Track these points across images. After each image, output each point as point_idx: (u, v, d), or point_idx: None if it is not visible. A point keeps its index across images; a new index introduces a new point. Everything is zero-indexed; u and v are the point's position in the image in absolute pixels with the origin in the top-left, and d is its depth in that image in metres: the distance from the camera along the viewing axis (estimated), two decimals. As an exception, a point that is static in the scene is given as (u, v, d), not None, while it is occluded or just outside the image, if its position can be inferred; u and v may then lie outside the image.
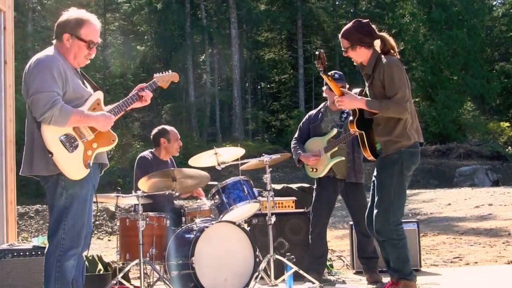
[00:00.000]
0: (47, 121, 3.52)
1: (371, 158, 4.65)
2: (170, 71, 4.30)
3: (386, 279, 5.48)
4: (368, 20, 4.60)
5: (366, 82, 4.63)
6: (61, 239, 3.65)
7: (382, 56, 4.51)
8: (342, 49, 4.62)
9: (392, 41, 4.59)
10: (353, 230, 6.13)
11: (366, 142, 4.60)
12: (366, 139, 4.59)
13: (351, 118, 4.65)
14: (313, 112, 6.13)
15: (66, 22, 3.78)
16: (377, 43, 4.56)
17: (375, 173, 4.73)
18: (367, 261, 5.79)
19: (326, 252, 5.90)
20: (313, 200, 5.92)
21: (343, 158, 5.70)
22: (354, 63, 4.71)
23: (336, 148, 5.71)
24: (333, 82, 4.65)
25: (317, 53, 4.51)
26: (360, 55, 4.55)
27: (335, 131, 5.78)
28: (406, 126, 4.47)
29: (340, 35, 4.61)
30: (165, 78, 4.21)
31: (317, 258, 5.75)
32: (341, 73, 5.84)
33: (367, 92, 4.63)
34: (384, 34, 4.60)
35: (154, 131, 6.24)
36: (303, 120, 6.15)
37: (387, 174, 4.51)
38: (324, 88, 5.89)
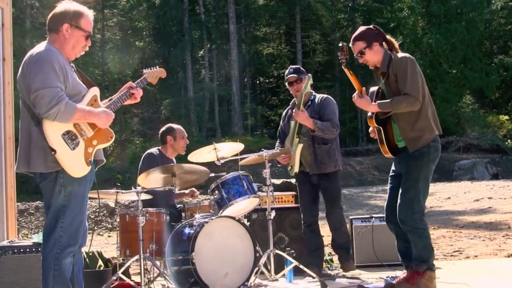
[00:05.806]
0: (52, 117, 3.47)
1: (388, 155, 4.69)
2: (157, 67, 4.36)
3: (389, 273, 5.49)
4: None
5: (382, 80, 4.68)
6: (58, 237, 3.62)
7: (393, 54, 4.61)
8: (356, 55, 4.65)
9: (395, 42, 4.73)
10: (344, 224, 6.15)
11: (384, 138, 4.63)
12: (384, 135, 4.63)
13: (369, 113, 4.67)
14: (285, 111, 6.21)
15: (65, 13, 3.74)
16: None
17: (393, 168, 4.77)
18: (340, 252, 5.88)
19: (321, 245, 5.92)
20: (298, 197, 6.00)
21: (301, 144, 5.70)
22: (369, 67, 4.73)
23: (297, 140, 5.70)
24: (353, 77, 4.65)
25: (340, 45, 4.58)
26: (376, 54, 4.60)
27: (292, 124, 5.81)
28: (429, 118, 4.55)
29: (352, 40, 4.65)
30: (154, 74, 4.25)
31: (312, 251, 5.79)
32: (298, 66, 5.99)
33: (383, 88, 4.69)
34: (388, 36, 4.73)
35: (162, 129, 6.32)
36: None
37: (416, 165, 4.54)
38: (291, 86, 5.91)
